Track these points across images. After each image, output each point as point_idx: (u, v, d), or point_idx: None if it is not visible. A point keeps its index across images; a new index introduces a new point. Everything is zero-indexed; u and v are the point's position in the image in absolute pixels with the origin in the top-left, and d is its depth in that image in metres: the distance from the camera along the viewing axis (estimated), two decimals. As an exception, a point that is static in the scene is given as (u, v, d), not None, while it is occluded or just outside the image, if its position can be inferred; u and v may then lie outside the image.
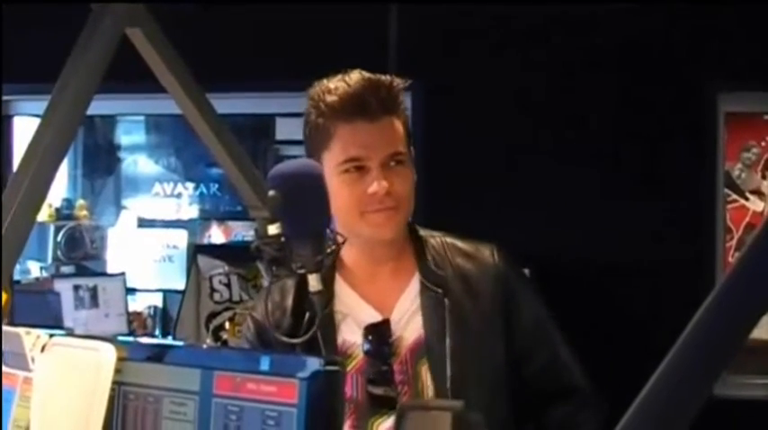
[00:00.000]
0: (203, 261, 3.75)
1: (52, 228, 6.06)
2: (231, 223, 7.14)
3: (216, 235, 7.16)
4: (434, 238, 2.28)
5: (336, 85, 2.18)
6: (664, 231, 3.60)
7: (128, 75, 3.93)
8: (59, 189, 6.61)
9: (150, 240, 7.10)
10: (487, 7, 3.62)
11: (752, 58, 3.49)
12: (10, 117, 4.03)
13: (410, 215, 2.27)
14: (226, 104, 3.36)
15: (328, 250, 2.02)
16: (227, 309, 3.65)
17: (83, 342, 1.32)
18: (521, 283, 2.27)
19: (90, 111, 5.06)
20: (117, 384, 1.27)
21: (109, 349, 1.28)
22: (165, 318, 6.81)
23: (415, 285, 2.22)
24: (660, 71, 3.55)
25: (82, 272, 6.22)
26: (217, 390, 1.18)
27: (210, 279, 3.71)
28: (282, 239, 1.90)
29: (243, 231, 7.13)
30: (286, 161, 2.15)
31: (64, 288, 5.51)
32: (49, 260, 5.96)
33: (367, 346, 2.17)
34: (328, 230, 1.94)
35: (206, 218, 7.33)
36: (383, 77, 2.19)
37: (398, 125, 2.19)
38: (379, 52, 3.60)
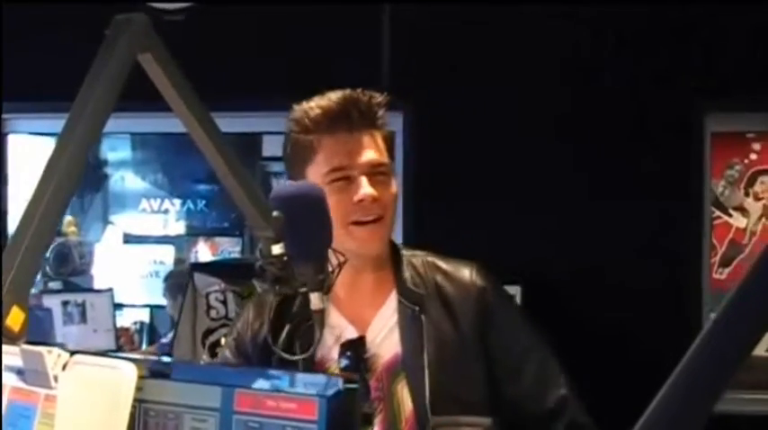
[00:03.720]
0: (199, 278, 3.79)
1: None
2: (218, 239, 7.18)
3: (203, 251, 7.20)
4: (416, 257, 2.31)
5: (318, 102, 2.24)
6: (651, 247, 3.64)
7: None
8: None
9: (137, 256, 7.13)
10: (477, 17, 3.66)
11: (737, 79, 3.54)
12: (5, 135, 4.06)
13: (392, 230, 2.30)
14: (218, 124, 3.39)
15: (330, 269, 2.07)
16: (223, 325, 3.69)
17: (103, 360, 1.35)
18: (501, 303, 2.27)
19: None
20: (138, 402, 1.30)
21: (129, 367, 1.31)
22: (151, 334, 6.84)
23: (392, 303, 2.25)
24: (647, 90, 3.60)
25: (69, 287, 6.24)
26: (237, 407, 1.21)
27: (207, 296, 3.75)
28: (285, 259, 1.94)
29: (230, 247, 7.16)
30: (289, 182, 2.20)
31: (53, 304, 5.54)
32: (38, 276, 5.99)
33: (344, 363, 2.20)
34: (330, 250, 1.99)
35: (193, 234, 7.37)
36: (364, 92, 2.24)
37: (379, 137, 2.23)
38: (369, 73, 3.64)
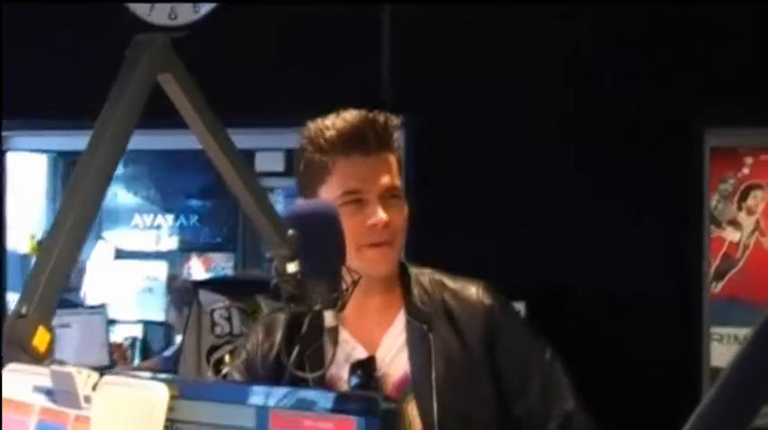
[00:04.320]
0: (204, 295, 3.79)
1: (34, 260, 6.08)
2: (211, 254, 7.17)
3: (195, 266, 7.19)
4: (424, 275, 2.32)
5: (334, 122, 2.24)
6: (649, 262, 3.66)
7: (95, 113, 4.01)
8: (41, 221, 6.61)
9: (130, 271, 7.12)
10: (479, 25, 3.68)
11: (735, 95, 3.57)
12: (4, 152, 4.06)
13: (401, 253, 2.31)
14: None
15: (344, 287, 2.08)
16: (227, 342, 3.69)
17: (134, 380, 1.36)
18: (508, 321, 2.28)
19: (67, 148, 5.03)
20: (170, 421, 1.31)
21: (161, 388, 1.32)
22: (144, 349, 6.82)
23: (400, 322, 2.25)
24: (647, 106, 3.62)
25: (62, 304, 6.23)
26: (273, 427, 1.22)
27: (212, 313, 3.75)
28: (299, 277, 1.95)
29: (223, 263, 7.16)
30: (304, 200, 2.21)
31: (47, 320, 5.52)
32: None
33: (354, 382, 2.20)
34: (344, 268, 1.99)
35: (186, 249, 7.35)
36: (379, 114, 2.24)
37: (393, 160, 2.24)
38: (369, 90, 3.65)
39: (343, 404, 1.18)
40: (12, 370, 1.46)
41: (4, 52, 3.91)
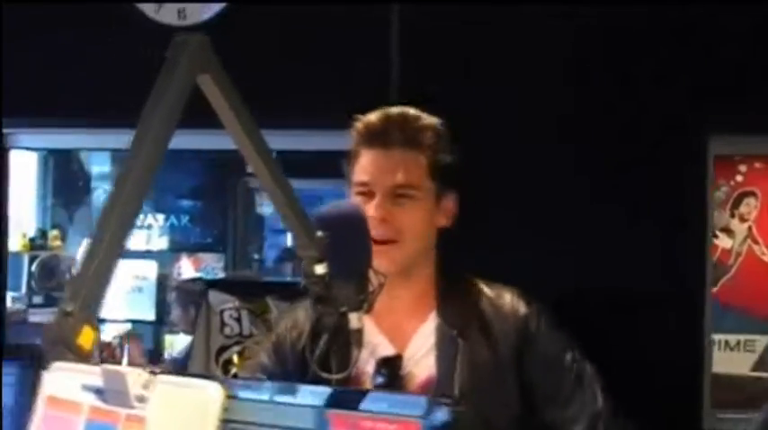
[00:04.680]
0: (214, 296, 3.80)
1: (26, 258, 6.06)
2: (201, 255, 7.17)
3: (186, 266, 7.18)
4: (460, 280, 2.32)
5: (370, 115, 2.26)
6: (652, 267, 3.67)
7: (96, 111, 4.00)
8: (33, 220, 6.60)
9: (120, 271, 7.11)
10: (478, 25, 3.68)
11: (738, 102, 3.59)
12: (6, 150, 4.05)
13: (420, 253, 2.28)
14: (200, 140, 3.42)
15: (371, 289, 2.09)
16: (237, 343, 3.70)
17: (188, 380, 1.36)
18: (541, 330, 2.28)
19: (58, 146, 5.00)
20: (225, 422, 1.31)
21: (215, 387, 1.32)
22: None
23: (431, 324, 2.26)
24: (652, 111, 3.63)
25: (51, 302, 6.21)
26: (332, 429, 1.23)
27: (221, 313, 3.76)
28: (327, 279, 1.96)
29: (213, 263, 7.16)
30: (332, 202, 2.22)
31: (39, 319, 5.51)
32: (23, 290, 5.96)
33: (379, 379, 2.21)
34: (371, 270, 2.00)
35: (176, 249, 7.35)
36: (414, 112, 2.26)
37: (419, 160, 2.23)
38: (377, 90, 3.65)
39: (406, 406, 1.18)
40: (58, 368, 1.46)
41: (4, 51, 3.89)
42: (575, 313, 2.96)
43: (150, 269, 7.05)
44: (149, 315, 6.80)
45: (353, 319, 2.03)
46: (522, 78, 3.64)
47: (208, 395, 1.31)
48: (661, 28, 3.65)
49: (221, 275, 6.88)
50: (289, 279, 5.23)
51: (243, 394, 1.32)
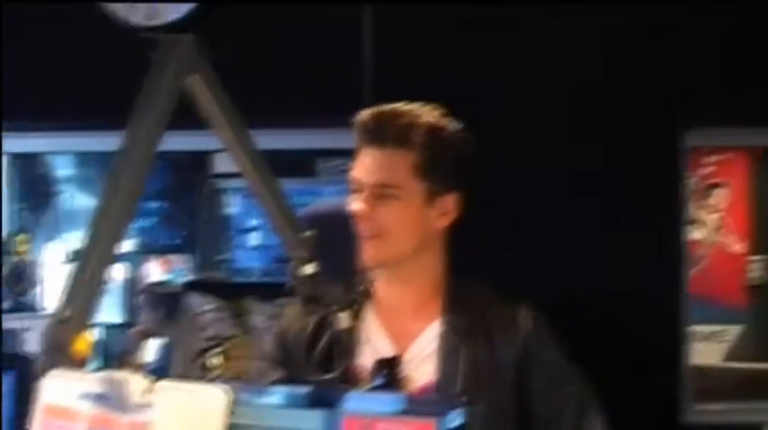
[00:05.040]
0: (193, 298, 3.76)
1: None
2: (170, 256, 7.10)
3: (154, 268, 7.11)
4: (468, 288, 2.28)
5: (367, 112, 2.23)
6: (628, 263, 3.68)
7: (59, 114, 3.96)
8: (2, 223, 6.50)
9: (88, 274, 7.03)
10: (461, 26, 3.67)
11: (714, 96, 3.61)
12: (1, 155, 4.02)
13: (410, 252, 2.25)
14: (167, 141, 3.39)
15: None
16: (217, 344, 3.66)
17: (191, 385, 1.34)
18: (544, 347, 2.24)
19: (21, 149, 4.94)
20: (234, 426, 1.29)
21: (218, 393, 1.31)
22: (106, 353, 6.73)
23: (434, 330, 2.23)
24: (625, 105, 3.63)
25: (19, 307, 6.13)
26: (345, 431, 1.21)
27: (201, 315, 3.72)
28: (316, 278, 1.94)
29: (181, 265, 7.08)
30: (321, 201, 2.20)
31: (11, 325, 5.43)
32: (-8, 296, 5.87)
33: (378, 380, 2.19)
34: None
35: (144, 251, 7.26)
36: (410, 108, 2.23)
37: (407, 158, 2.18)
38: (349, 91, 3.63)
39: (420, 406, 1.17)
40: (55, 376, 1.44)
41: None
42: (553, 309, 2.96)
43: (119, 271, 6.98)
44: (118, 317, 6.71)
45: (343, 319, 2.01)
46: (497, 77, 3.64)
47: (214, 400, 1.29)
48: (636, 24, 3.66)
49: (191, 277, 6.80)
50: (267, 279, 5.17)
51: (251, 398, 1.30)
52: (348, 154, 2.30)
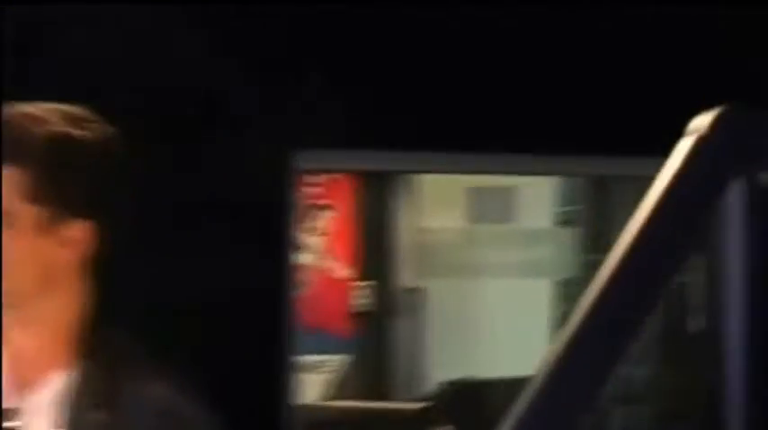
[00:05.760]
0: None
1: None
2: None
3: None
4: (105, 339, 1.94)
5: None
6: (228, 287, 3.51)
7: None
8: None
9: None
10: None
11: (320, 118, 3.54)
12: None
13: (22, 291, 1.88)
14: None
15: None
16: None
17: None
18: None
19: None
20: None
21: None
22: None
23: (58, 382, 1.93)
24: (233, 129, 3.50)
25: None
26: None
27: None
28: None
29: None
30: None
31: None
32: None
33: None
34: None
35: None
36: (26, 113, 1.81)
37: (16, 177, 1.79)
38: None
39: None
40: None
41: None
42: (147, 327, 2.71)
43: None
44: None
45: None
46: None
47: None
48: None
49: None
50: None
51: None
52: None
